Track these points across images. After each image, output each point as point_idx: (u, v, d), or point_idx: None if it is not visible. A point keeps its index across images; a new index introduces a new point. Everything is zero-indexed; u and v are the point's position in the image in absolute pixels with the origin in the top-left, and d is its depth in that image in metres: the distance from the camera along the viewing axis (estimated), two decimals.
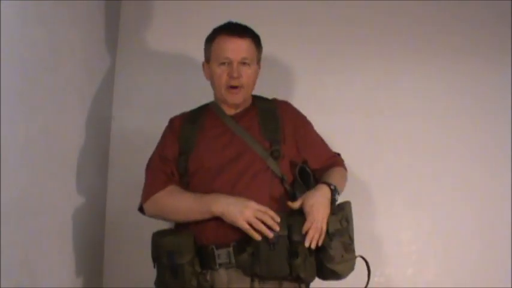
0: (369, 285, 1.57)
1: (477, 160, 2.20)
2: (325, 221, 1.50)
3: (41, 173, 1.56)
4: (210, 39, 1.70)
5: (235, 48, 1.64)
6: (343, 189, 1.65)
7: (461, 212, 2.17)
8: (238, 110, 1.71)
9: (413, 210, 2.18)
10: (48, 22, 1.60)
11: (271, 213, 1.49)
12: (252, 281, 1.51)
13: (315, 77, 2.24)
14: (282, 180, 1.60)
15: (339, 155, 1.77)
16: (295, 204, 1.52)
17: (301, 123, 1.73)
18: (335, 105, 2.19)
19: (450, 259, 2.14)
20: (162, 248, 1.55)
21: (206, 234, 1.56)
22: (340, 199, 1.60)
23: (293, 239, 1.48)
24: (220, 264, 1.53)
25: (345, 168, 1.75)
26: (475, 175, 2.19)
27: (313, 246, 1.48)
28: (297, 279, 1.51)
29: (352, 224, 1.57)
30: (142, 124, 2.22)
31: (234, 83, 1.64)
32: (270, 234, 1.47)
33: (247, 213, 1.48)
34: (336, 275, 1.53)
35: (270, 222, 1.48)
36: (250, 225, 1.48)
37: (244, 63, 1.65)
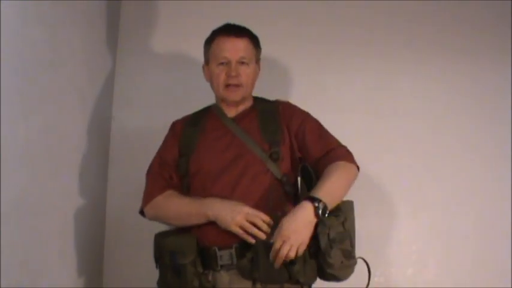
0: (365, 284, 1.57)
1: (477, 160, 2.20)
2: (302, 241, 1.44)
3: (41, 173, 1.56)
4: (209, 41, 1.72)
5: (233, 47, 1.65)
6: (342, 190, 1.55)
7: (461, 212, 2.16)
8: (239, 111, 1.72)
9: (413, 210, 2.18)
10: (48, 22, 1.60)
11: (263, 216, 1.50)
12: (254, 283, 1.51)
13: (315, 77, 2.24)
14: (281, 182, 1.60)
15: (347, 150, 1.65)
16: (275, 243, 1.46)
17: (300, 119, 1.68)
18: (335, 105, 2.19)
19: (450, 259, 2.14)
20: (165, 248, 1.57)
21: (208, 235, 1.56)
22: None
23: None
24: (222, 266, 1.54)
25: (351, 161, 1.61)
26: (475, 175, 2.19)
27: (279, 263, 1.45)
28: (298, 282, 1.50)
29: (354, 226, 1.55)
30: (142, 124, 2.22)
31: (233, 81, 1.65)
32: (263, 236, 1.48)
33: (239, 218, 1.50)
34: (336, 279, 1.53)
35: (260, 224, 1.49)
36: (245, 229, 1.50)
37: (242, 63, 1.66)
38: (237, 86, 1.66)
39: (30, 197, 1.48)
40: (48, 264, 1.62)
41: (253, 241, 1.49)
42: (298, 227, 1.43)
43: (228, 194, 1.57)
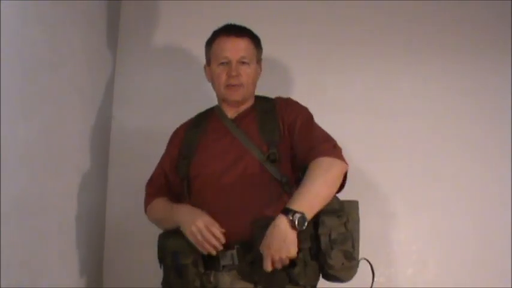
0: (367, 285, 1.57)
1: (477, 160, 2.20)
2: (289, 253, 1.42)
3: (41, 173, 1.56)
4: (210, 42, 1.72)
5: (234, 47, 1.66)
6: (324, 190, 1.49)
7: (461, 212, 2.16)
8: (240, 112, 1.71)
9: (413, 210, 2.17)
10: (48, 22, 1.60)
11: (215, 230, 1.50)
12: (256, 284, 1.50)
13: (315, 77, 2.24)
14: (281, 183, 1.58)
15: (334, 145, 1.59)
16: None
17: (294, 115, 1.65)
18: (335, 105, 2.19)
19: (450, 259, 2.14)
20: (167, 248, 1.58)
21: None
22: (340, 198, 1.56)
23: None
24: (224, 266, 1.53)
25: (334, 156, 1.53)
26: (475, 175, 2.19)
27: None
28: (298, 284, 1.48)
29: (358, 227, 1.53)
30: (142, 124, 2.22)
31: (233, 81, 1.66)
32: (212, 251, 1.50)
33: (193, 229, 1.52)
34: (338, 280, 1.53)
35: (207, 237, 1.49)
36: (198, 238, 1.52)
37: (243, 63, 1.66)
38: (238, 85, 1.66)
39: (30, 197, 1.48)
40: (48, 264, 1.62)
41: (207, 250, 1.50)
42: (279, 244, 1.41)
43: (227, 197, 1.57)
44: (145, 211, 1.77)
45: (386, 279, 2.10)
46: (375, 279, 1.52)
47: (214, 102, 1.80)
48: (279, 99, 1.73)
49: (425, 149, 2.21)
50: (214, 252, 1.51)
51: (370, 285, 1.51)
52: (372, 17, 2.29)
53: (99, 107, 2.08)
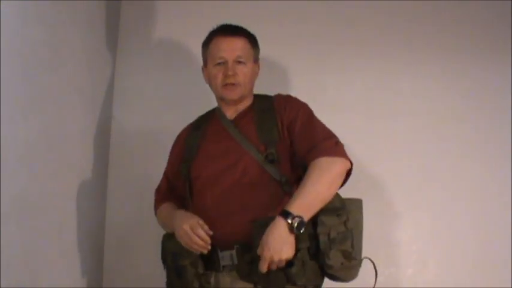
0: (368, 285, 1.57)
1: (477, 160, 2.20)
2: (286, 256, 1.42)
3: (41, 173, 1.56)
4: (206, 43, 1.73)
5: (229, 47, 1.66)
6: (324, 191, 1.47)
7: (461, 212, 2.16)
8: (239, 112, 1.71)
9: (413, 210, 2.17)
10: (48, 22, 1.60)
11: (199, 232, 1.51)
12: (255, 284, 1.50)
13: (315, 77, 2.24)
14: (280, 183, 1.57)
15: (336, 142, 1.56)
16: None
17: (294, 112, 1.63)
18: (335, 105, 2.18)
19: (450, 259, 2.14)
20: (167, 249, 1.61)
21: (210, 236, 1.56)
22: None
23: None
24: (224, 266, 1.54)
25: (335, 154, 1.51)
26: (475, 175, 2.19)
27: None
28: (296, 284, 1.47)
29: (360, 226, 1.53)
30: (143, 124, 2.22)
31: (230, 80, 1.65)
32: (199, 250, 1.52)
33: (181, 232, 1.54)
34: (339, 279, 1.53)
35: (194, 239, 1.51)
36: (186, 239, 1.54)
37: (239, 62, 1.66)
38: (234, 85, 1.66)
39: (30, 197, 1.48)
40: (48, 264, 1.62)
41: (197, 251, 1.53)
42: (278, 246, 1.41)
43: (227, 198, 1.57)
44: (156, 216, 1.81)
45: (386, 279, 2.10)
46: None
47: (214, 102, 1.80)
48: (278, 97, 1.72)
49: (425, 149, 2.21)
50: (205, 252, 1.52)
51: (373, 285, 1.51)
52: (372, 17, 2.29)
53: (99, 107, 2.08)
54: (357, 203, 1.54)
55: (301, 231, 1.42)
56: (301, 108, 1.66)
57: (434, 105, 2.24)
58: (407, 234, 2.17)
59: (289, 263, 1.43)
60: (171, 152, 1.82)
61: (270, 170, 1.58)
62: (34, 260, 1.51)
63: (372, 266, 1.51)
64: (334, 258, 1.44)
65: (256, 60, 1.73)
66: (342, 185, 1.55)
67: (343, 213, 1.48)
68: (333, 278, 1.52)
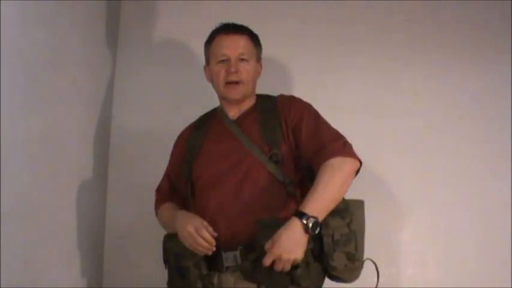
0: (368, 285, 1.57)
1: (477, 160, 2.20)
2: (295, 257, 1.41)
3: (41, 173, 1.56)
4: (209, 42, 1.72)
5: (232, 44, 1.66)
6: (336, 193, 1.48)
7: (461, 212, 2.16)
8: (241, 112, 1.70)
9: (413, 210, 2.17)
10: (48, 22, 1.60)
11: (204, 233, 1.50)
12: (259, 284, 1.50)
13: (315, 77, 2.24)
14: (284, 183, 1.57)
15: (344, 142, 1.56)
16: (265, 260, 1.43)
17: (299, 113, 1.63)
18: (335, 104, 2.18)
19: (450, 259, 2.14)
20: (170, 250, 1.60)
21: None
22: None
23: None
24: (227, 267, 1.53)
25: (346, 155, 1.52)
26: (475, 175, 2.19)
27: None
28: (300, 285, 1.48)
29: (362, 227, 1.53)
30: (143, 124, 2.22)
31: (232, 77, 1.65)
32: (204, 252, 1.51)
33: (184, 233, 1.53)
34: (341, 280, 1.53)
35: (198, 241, 1.50)
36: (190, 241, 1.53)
37: (242, 59, 1.66)
38: (237, 83, 1.65)
39: (30, 197, 1.48)
40: (48, 264, 1.62)
41: (201, 253, 1.51)
42: (290, 245, 1.40)
43: (230, 199, 1.56)
44: (156, 216, 1.80)
45: (386, 279, 2.10)
46: (375, 279, 1.52)
47: (215, 102, 1.80)
48: (281, 97, 1.71)
49: (425, 149, 2.20)
50: (209, 253, 1.51)
51: (374, 286, 1.51)
52: (372, 17, 2.29)
53: (99, 107, 2.08)
54: (360, 204, 1.55)
55: (316, 231, 1.42)
56: (307, 109, 1.66)
57: (435, 105, 2.24)
58: (408, 234, 2.17)
59: (295, 265, 1.43)
60: (172, 152, 1.82)
61: (274, 171, 1.57)
62: (34, 260, 1.51)
63: (372, 266, 1.52)
64: (338, 260, 1.44)
65: (258, 59, 1.73)
66: None
67: (347, 214, 1.48)
68: (336, 279, 1.52)
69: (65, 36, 1.73)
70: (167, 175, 1.81)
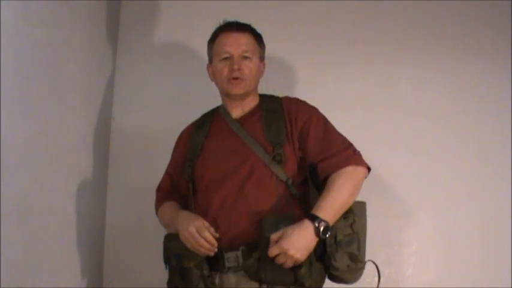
0: (368, 285, 1.57)
1: (477, 160, 2.19)
2: (300, 258, 1.43)
3: (41, 173, 1.56)
4: (212, 40, 1.72)
5: (235, 42, 1.66)
6: (347, 200, 1.52)
7: (461, 212, 2.16)
8: (245, 112, 1.70)
9: (413, 210, 2.17)
10: (48, 22, 1.60)
11: (206, 234, 1.50)
12: (260, 284, 1.50)
13: (316, 76, 2.24)
14: (287, 184, 1.57)
15: (354, 150, 1.60)
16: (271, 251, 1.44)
17: (306, 117, 1.63)
18: (335, 103, 2.18)
19: (450, 259, 2.14)
20: (171, 251, 1.58)
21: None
22: None
23: None
24: (229, 268, 1.53)
25: (357, 163, 1.56)
26: (475, 175, 2.19)
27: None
28: (303, 285, 1.48)
29: (364, 228, 1.54)
30: (142, 124, 2.22)
31: (235, 75, 1.64)
32: (206, 253, 1.51)
33: (186, 234, 1.52)
34: (343, 281, 1.53)
35: (200, 242, 1.50)
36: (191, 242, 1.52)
37: (245, 57, 1.66)
38: (240, 79, 1.65)
39: (30, 197, 1.48)
40: (48, 264, 1.62)
41: (203, 254, 1.51)
42: (300, 245, 1.42)
43: (232, 199, 1.56)
44: (157, 215, 1.79)
45: (387, 279, 2.10)
46: (375, 278, 1.52)
47: (215, 101, 1.79)
48: (287, 99, 1.71)
49: (425, 149, 2.20)
50: (211, 254, 1.51)
51: (375, 286, 1.51)
52: (372, 17, 2.29)
53: (99, 107, 2.08)
54: (362, 206, 1.56)
55: (326, 236, 1.44)
56: (315, 112, 1.67)
57: (434, 105, 2.24)
58: (408, 234, 2.17)
59: (298, 264, 1.43)
60: (174, 151, 1.80)
61: (277, 171, 1.57)
62: (34, 260, 1.51)
63: (372, 266, 1.52)
64: (341, 261, 1.45)
65: (262, 58, 1.73)
66: None
67: (349, 216, 1.50)
68: (337, 280, 1.53)
69: (65, 36, 1.73)
70: (168, 174, 1.79)
